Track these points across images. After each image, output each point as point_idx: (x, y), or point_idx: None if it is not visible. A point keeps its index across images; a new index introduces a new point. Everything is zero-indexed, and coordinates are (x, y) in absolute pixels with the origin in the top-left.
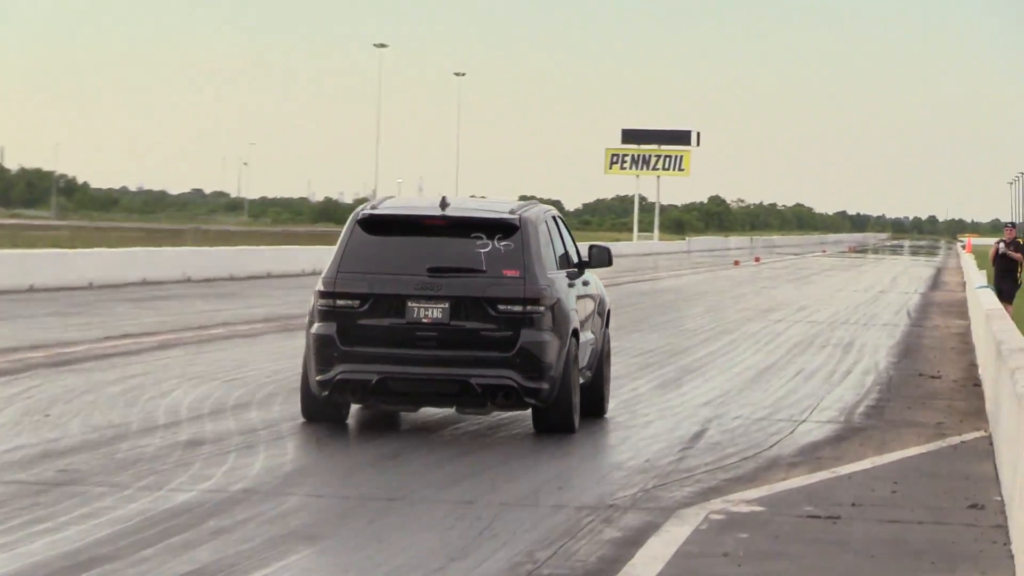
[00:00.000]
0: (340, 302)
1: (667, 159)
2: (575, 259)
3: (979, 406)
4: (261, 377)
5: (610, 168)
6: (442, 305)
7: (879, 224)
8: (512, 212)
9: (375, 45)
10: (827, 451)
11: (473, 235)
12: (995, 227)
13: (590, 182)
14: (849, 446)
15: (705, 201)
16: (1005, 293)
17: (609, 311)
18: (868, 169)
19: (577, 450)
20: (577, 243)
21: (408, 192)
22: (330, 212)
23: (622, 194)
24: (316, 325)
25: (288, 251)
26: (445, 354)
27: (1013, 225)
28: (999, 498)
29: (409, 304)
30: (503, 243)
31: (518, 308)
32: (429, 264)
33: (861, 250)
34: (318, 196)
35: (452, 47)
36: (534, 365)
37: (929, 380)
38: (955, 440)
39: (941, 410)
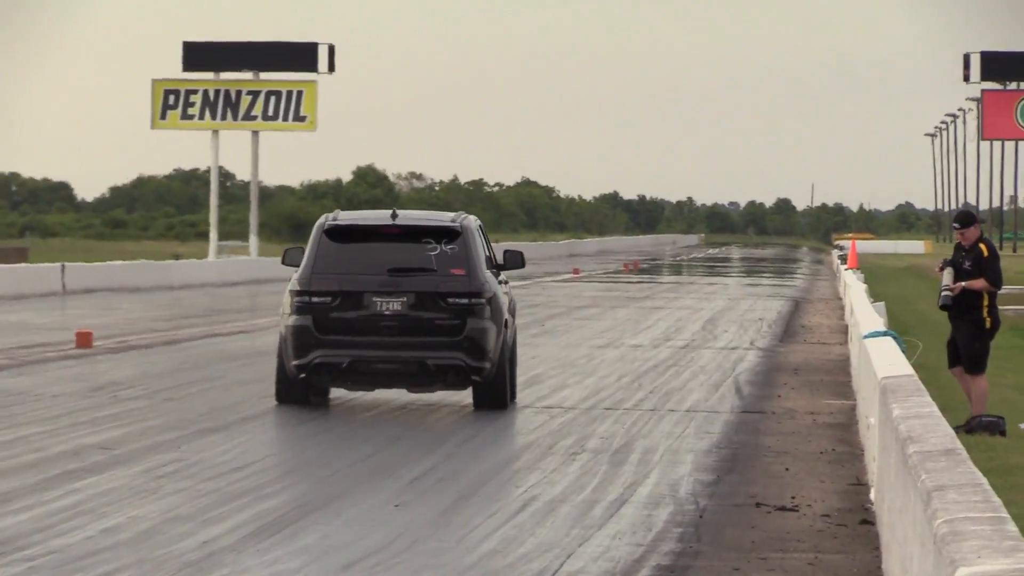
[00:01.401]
0: (315, 298)
1: (272, 99)
2: (494, 261)
3: (869, 562)
4: None
5: (162, 118)
6: (401, 299)
7: (684, 217)
8: (453, 220)
9: None
10: None
11: (423, 240)
12: (903, 218)
13: (124, 147)
14: None
15: (350, 178)
16: (967, 353)
17: (515, 307)
18: (658, 122)
19: None
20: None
21: None
22: None
23: (187, 167)
24: (293, 318)
25: None
26: (404, 340)
27: (971, 217)
28: None
29: (373, 299)
30: (449, 246)
31: (464, 300)
32: (388, 265)
33: (650, 266)
34: None
35: None
36: (478, 348)
37: (776, 515)
38: None
39: (798, 571)
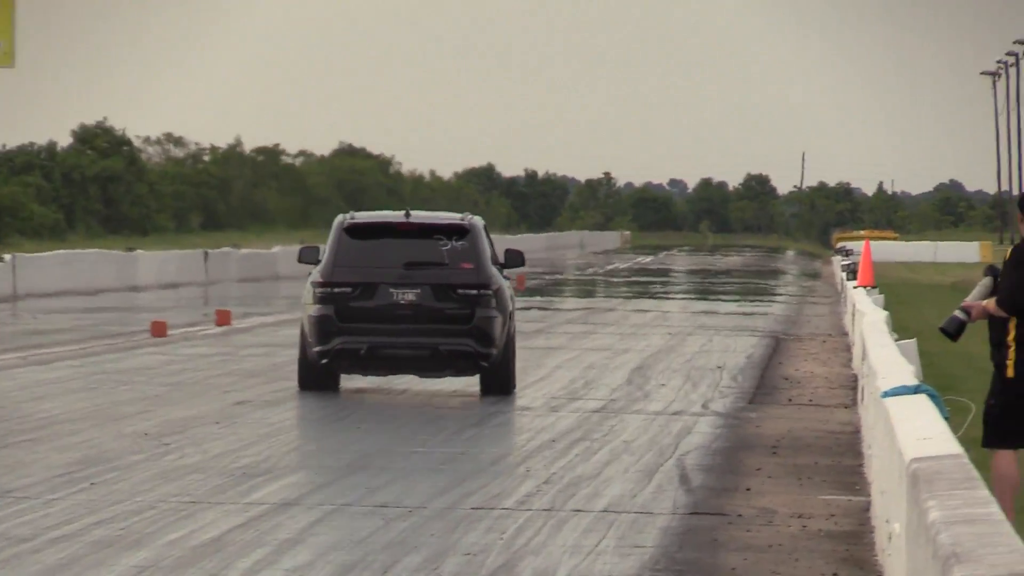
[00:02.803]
0: (336, 289)
1: None
2: (496, 259)
3: None
4: None
5: None
6: (415, 290)
7: (599, 205)
8: (462, 219)
9: None
10: None
11: (435, 236)
12: (947, 207)
13: None
14: None
15: (69, 141)
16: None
17: (514, 303)
18: (556, 64)
19: None
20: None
21: None
22: None
23: None
24: (316, 307)
25: None
26: (418, 327)
27: None
28: None
29: (390, 290)
30: (459, 242)
31: (473, 291)
32: (404, 260)
33: (544, 283)
34: None
35: None
36: (486, 335)
37: None
38: None
39: None
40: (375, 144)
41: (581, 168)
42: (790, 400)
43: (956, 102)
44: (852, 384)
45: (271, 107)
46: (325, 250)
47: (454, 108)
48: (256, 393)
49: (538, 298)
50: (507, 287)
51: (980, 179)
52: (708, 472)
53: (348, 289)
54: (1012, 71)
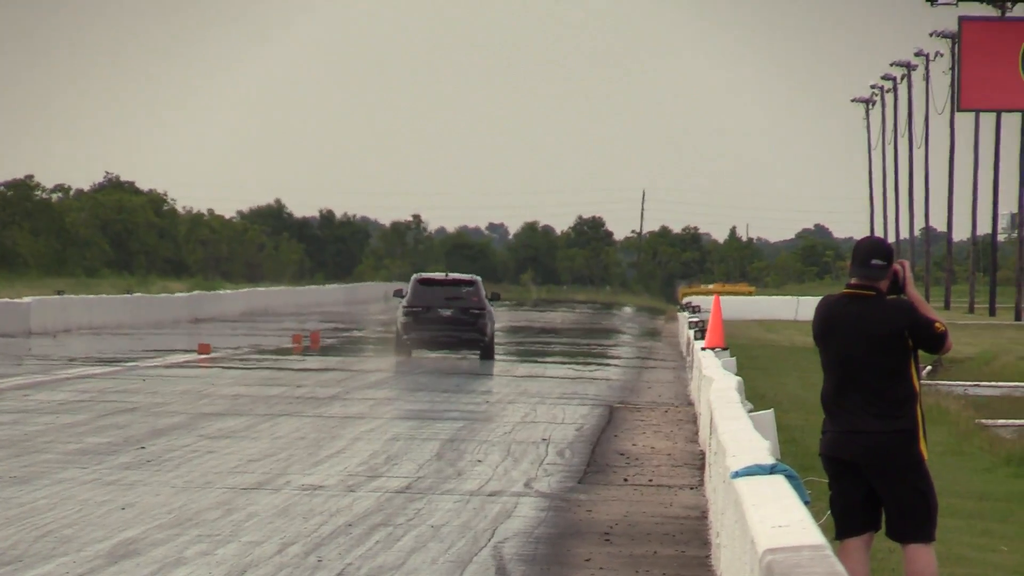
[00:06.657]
0: (414, 308)
1: None
2: (487, 296)
3: None
4: None
5: None
6: (451, 310)
7: (408, 252)
8: (471, 278)
9: None
10: None
11: (460, 285)
12: (810, 256)
13: None
14: None
15: None
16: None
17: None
18: (353, 84)
19: None
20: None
21: None
22: None
23: None
24: (404, 318)
25: None
26: (452, 327)
27: (881, 252)
28: None
29: (439, 310)
30: (470, 288)
31: (476, 311)
32: (445, 296)
33: (342, 341)
34: None
35: None
36: (483, 331)
37: None
38: None
39: None
40: (145, 179)
41: (386, 209)
42: (626, 480)
43: (822, 134)
44: (699, 462)
45: (21, 133)
46: (407, 291)
47: (234, 137)
48: (3, 468)
49: (335, 358)
50: (492, 309)
51: (850, 225)
52: (530, 563)
53: (419, 309)
54: (888, 98)
